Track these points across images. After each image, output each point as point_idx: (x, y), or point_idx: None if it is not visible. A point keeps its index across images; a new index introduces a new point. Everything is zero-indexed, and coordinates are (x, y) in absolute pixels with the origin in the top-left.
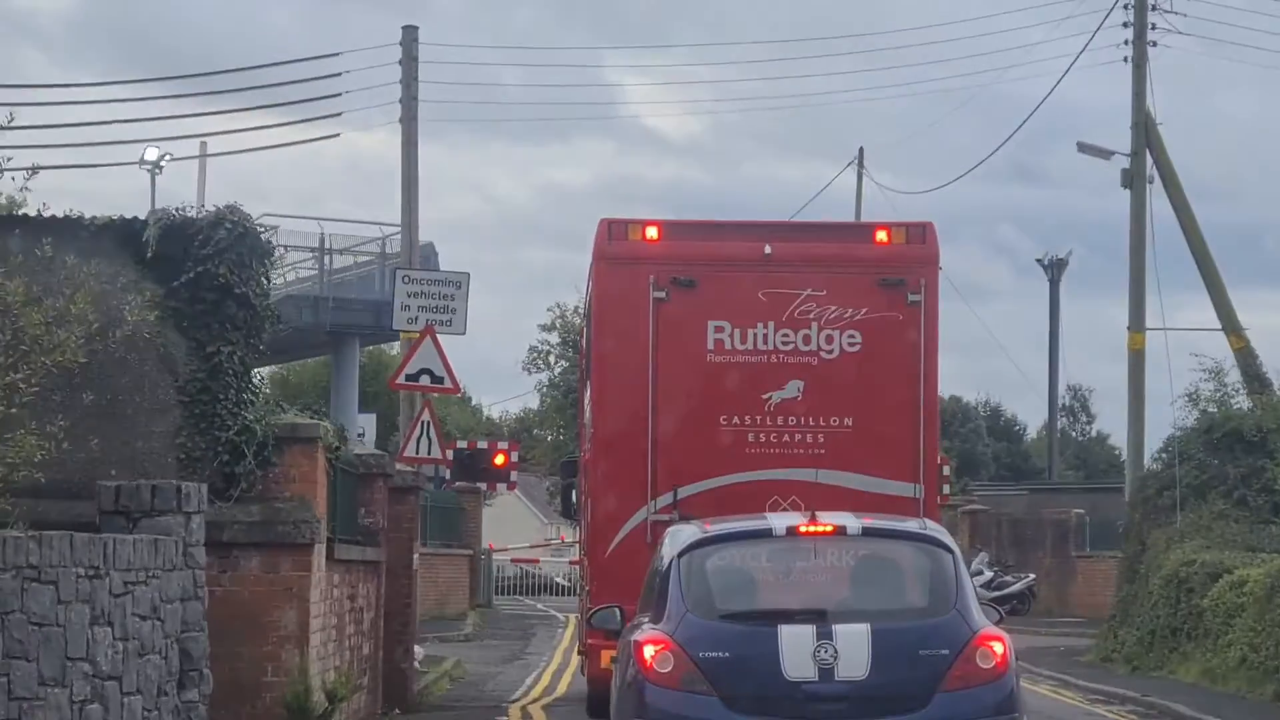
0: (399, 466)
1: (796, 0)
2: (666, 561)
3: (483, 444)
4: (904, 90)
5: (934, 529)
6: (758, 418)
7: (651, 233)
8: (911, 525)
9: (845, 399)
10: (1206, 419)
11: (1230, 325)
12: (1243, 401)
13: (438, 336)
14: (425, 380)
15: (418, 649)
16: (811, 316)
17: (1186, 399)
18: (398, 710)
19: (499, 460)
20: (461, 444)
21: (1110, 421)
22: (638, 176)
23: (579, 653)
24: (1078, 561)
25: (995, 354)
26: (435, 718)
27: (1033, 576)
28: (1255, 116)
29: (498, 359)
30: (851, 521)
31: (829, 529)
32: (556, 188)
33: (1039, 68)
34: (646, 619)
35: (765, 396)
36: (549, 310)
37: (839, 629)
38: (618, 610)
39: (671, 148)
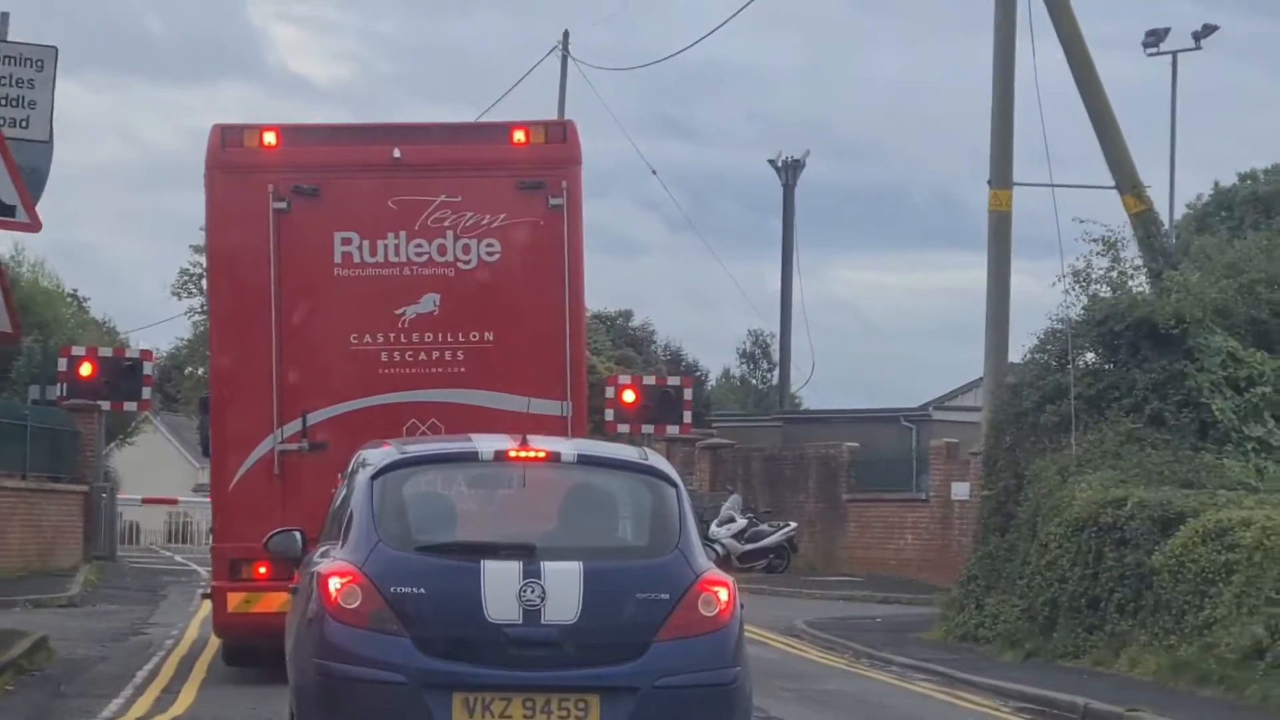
0: None
1: None
2: (357, 485)
3: (106, 352)
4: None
5: (656, 459)
6: (391, 335)
7: (269, 138)
8: (631, 454)
9: (485, 312)
10: (1101, 305)
11: (1129, 183)
12: (1144, 284)
13: (5, 142)
14: None
15: None
16: (446, 225)
17: (1072, 278)
18: None
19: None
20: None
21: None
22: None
23: (203, 596)
24: (849, 507)
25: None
26: None
27: (793, 525)
28: None
29: (145, 300)
30: (566, 448)
31: (541, 455)
32: (203, 132)
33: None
34: (332, 548)
35: (399, 312)
36: (201, 230)
37: (548, 566)
38: (298, 534)
39: (321, 93)
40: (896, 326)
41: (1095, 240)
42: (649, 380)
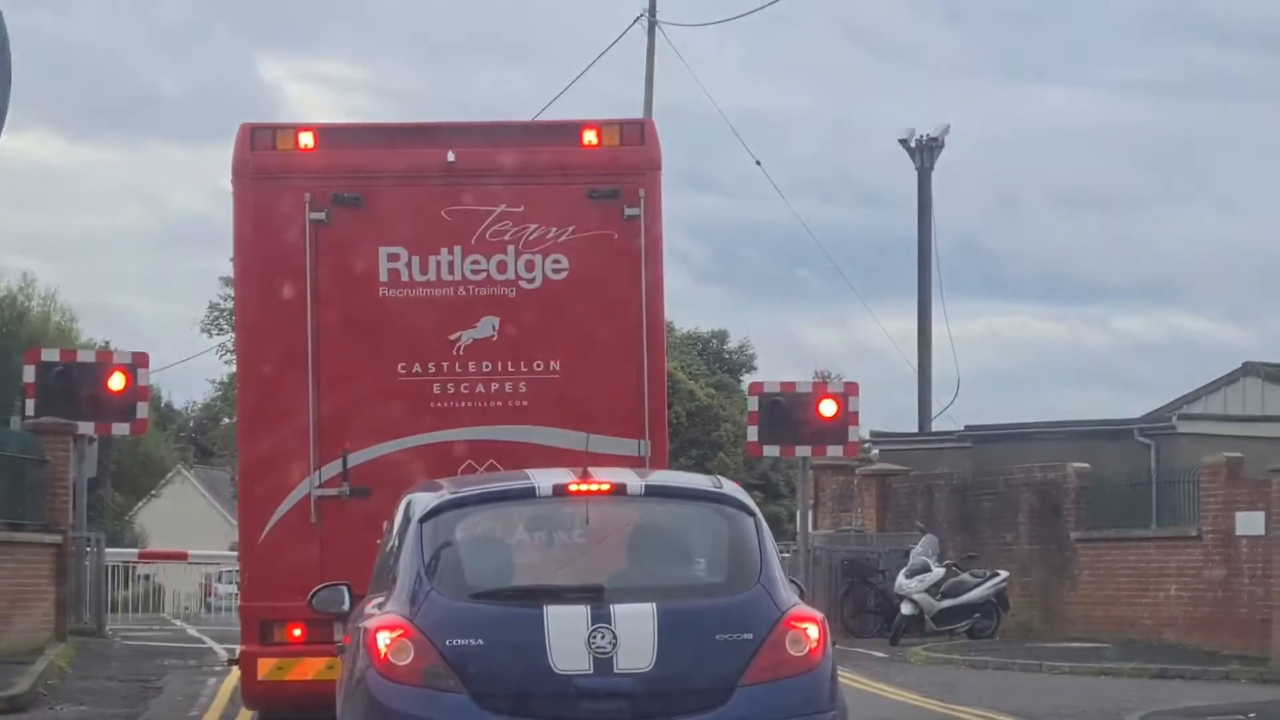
0: None
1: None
2: (405, 530)
3: (87, 357)
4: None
5: (731, 488)
6: (445, 364)
7: (306, 139)
8: (704, 483)
9: (551, 338)
10: None
11: None
12: None
13: None
14: None
15: None
16: (507, 238)
17: None
18: None
19: (116, 383)
20: (50, 356)
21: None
22: None
23: (229, 662)
24: (1080, 549)
25: None
26: None
27: (1004, 575)
28: None
29: (178, 354)
30: (632, 479)
31: (605, 487)
32: (221, 191)
33: None
34: (380, 600)
35: (453, 338)
36: (233, 261)
37: (618, 609)
38: (345, 589)
39: None
40: (953, 374)
41: None
42: (804, 389)
